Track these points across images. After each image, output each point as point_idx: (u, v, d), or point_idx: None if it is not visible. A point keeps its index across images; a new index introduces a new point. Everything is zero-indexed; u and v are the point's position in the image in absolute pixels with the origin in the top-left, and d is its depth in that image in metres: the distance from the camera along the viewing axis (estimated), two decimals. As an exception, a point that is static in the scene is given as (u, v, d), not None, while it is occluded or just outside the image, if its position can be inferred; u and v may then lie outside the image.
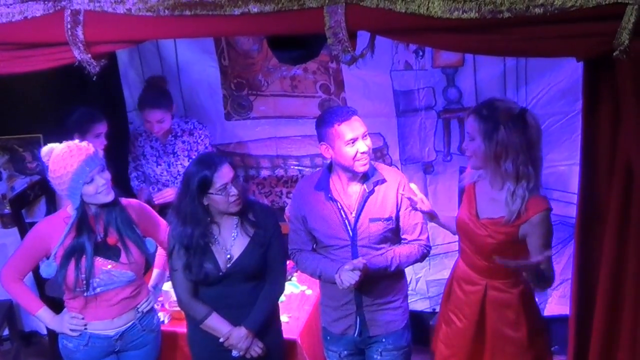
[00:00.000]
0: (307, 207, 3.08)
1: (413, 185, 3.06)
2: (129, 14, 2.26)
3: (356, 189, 3.02)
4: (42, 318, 3.12)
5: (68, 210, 2.97)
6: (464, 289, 2.96)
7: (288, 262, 3.33)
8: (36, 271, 3.58)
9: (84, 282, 2.93)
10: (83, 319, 3.05)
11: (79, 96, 4.13)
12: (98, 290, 2.99)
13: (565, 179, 3.99)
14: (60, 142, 2.93)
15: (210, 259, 2.95)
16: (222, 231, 2.99)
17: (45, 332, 4.51)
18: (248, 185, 4.61)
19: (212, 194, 2.85)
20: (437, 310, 3.35)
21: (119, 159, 4.29)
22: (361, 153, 2.90)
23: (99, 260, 2.96)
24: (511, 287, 2.88)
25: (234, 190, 2.86)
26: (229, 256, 2.97)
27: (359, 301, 3.08)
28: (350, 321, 3.13)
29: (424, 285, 4.47)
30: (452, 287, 3.06)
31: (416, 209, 3.03)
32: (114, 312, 3.06)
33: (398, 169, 4.13)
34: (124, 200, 3.10)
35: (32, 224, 3.39)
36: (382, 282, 3.05)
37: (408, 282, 3.36)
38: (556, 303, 4.25)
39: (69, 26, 2.30)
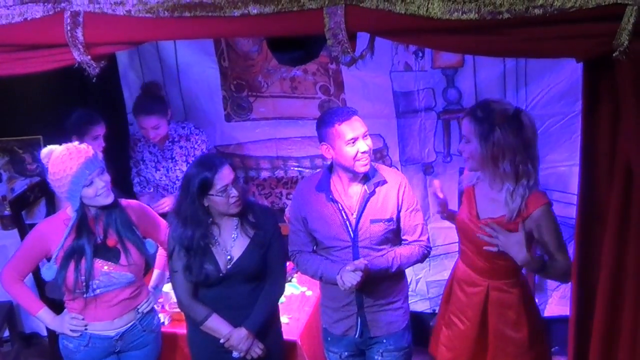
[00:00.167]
0: (307, 208, 3.08)
1: (436, 182, 3.08)
2: (129, 15, 2.25)
3: (357, 190, 3.02)
4: (43, 319, 3.12)
5: (68, 211, 2.97)
6: (466, 290, 2.96)
7: (288, 263, 3.33)
8: (36, 272, 3.59)
9: (84, 283, 2.93)
10: (83, 319, 3.05)
11: (78, 98, 4.14)
12: (98, 291, 2.99)
13: (565, 180, 3.99)
14: (60, 144, 2.93)
15: (210, 260, 2.95)
16: (222, 232, 2.99)
17: (45, 333, 4.51)
18: (248, 187, 4.61)
19: (212, 195, 2.85)
20: (437, 311, 3.35)
21: (119, 161, 4.29)
22: (362, 153, 2.90)
23: (99, 262, 2.97)
24: (512, 287, 2.88)
25: (234, 192, 2.86)
26: (229, 257, 2.98)
27: (360, 302, 3.09)
28: (351, 322, 3.13)
29: (424, 286, 4.47)
30: (452, 289, 3.06)
31: (441, 209, 3.04)
32: (114, 313, 3.07)
33: (398, 170, 4.12)
34: (124, 201, 3.11)
35: (32, 226, 3.40)
36: (383, 283, 3.05)
37: (408, 283, 3.35)
38: (556, 304, 4.25)
39: (68, 28, 2.30)
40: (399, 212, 3.03)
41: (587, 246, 2.37)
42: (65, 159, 2.84)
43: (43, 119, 4.34)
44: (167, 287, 3.49)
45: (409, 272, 3.27)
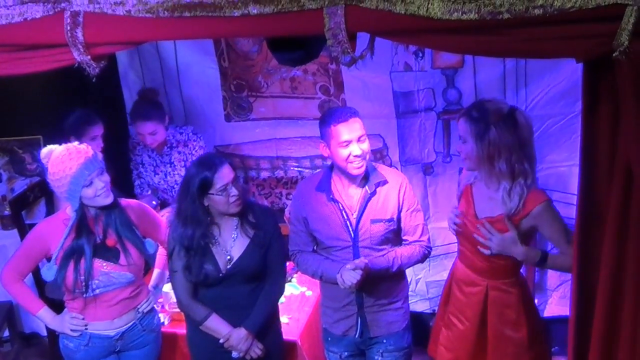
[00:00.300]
0: (308, 208, 3.08)
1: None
2: (129, 15, 2.25)
3: (358, 190, 3.02)
4: (43, 318, 3.13)
5: (67, 211, 2.97)
6: (465, 290, 2.96)
7: (288, 263, 3.33)
8: (36, 273, 3.59)
9: (83, 283, 2.93)
10: (83, 319, 3.05)
11: (78, 98, 4.14)
12: (97, 291, 2.99)
13: (565, 180, 4.00)
14: (60, 144, 2.94)
15: (210, 260, 2.95)
16: (222, 232, 2.99)
17: (45, 333, 4.51)
18: (248, 187, 4.61)
19: (212, 194, 2.85)
20: (436, 312, 3.34)
21: (119, 161, 4.29)
22: (354, 156, 2.89)
23: (98, 262, 2.97)
24: (511, 287, 2.88)
25: (234, 191, 2.86)
26: (228, 257, 2.98)
27: (360, 302, 3.09)
28: (351, 322, 3.13)
29: (423, 287, 4.48)
30: (451, 289, 3.06)
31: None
32: (114, 313, 3.07)
33: (398, 170, 4.13)
34: (124, 201, 3.11)
35: (31, 226, 3.40)
36: (383, 283, 3.05)
37: (408, 283, 3.35)
38: (556, 304, 4.25)
39: (68, 27, 2.30)
40: (399, 212, 3.03)
41: (587, 246, 2.37)
42: (65, 159, 2.84)
43: (43, 119, 4.34)
44: (167, 287, 3.49)
45: (408, 272, 3.27)
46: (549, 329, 4.00)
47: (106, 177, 2.92)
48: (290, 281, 4.00)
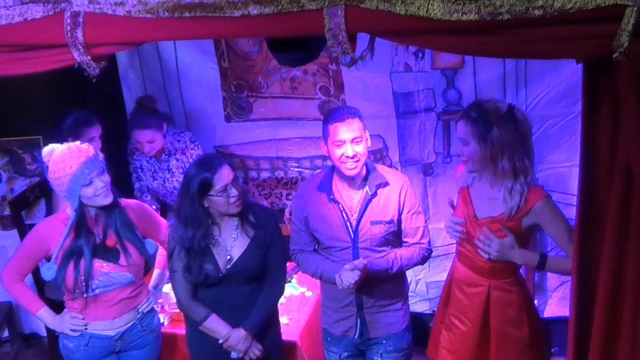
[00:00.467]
0: (309, 208, 3.09)
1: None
2: (129, 15, 2.25)
3: (358, 191, 3.03)
4: (43, 318, 3.13)
5: (67, 211, 2.97)
6: (466, 291, 2.96)
7: (288, 263, 3.33)
8: (36, 273, 3.59)
9: (83, 283, 2.93)
10: (83, 319, 3.05)
11: (78, 98, 4.14)
12: (97, 291, 2.99)
13: (565, 181, 4.00)
14: (61, 143, 2.94)
15: (210, 260, 2.95)
16: (223, 232, 2.99)
17: (45, 333, 4.51)
18: (248, 187, 4.61)
19: (212, 195, 2.85)
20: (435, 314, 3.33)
21: (119, 162, 4.29)
22: (346, 157, 2.89)
23: (98, 262, 2.97)
24: (512, 286, 2.89)
25: (234, 192, 2.86)
26: (229, 257, 2.97)
27: (359, 303, 3.09)
28: (350, 323, 3.13)
29: (423, 287, 4.48)
30: (451, 291, 3.05)
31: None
32: (114, 313, 3.07)
33: (398, 171, 4.13)
34: (124, 202, 3.11)
35: (31, 226, 3.40)
36: (383, 284, 3.05)
37: (409, 283, 3.35)
38: (556, 305, 4.25)
39: (68, 28, 2.30)
40: (400, 214, 3.03)
41: (587, 247, 2.37)
42: (66, 158, 2.85)
43: (43, 119, 4.34)
44: (167, 288, 3.49)
45: (408, 273, 3.27)
46: (549, 329, 4.01)
47: (106, 178, 2.92)
48: (290, 282, 4.00)
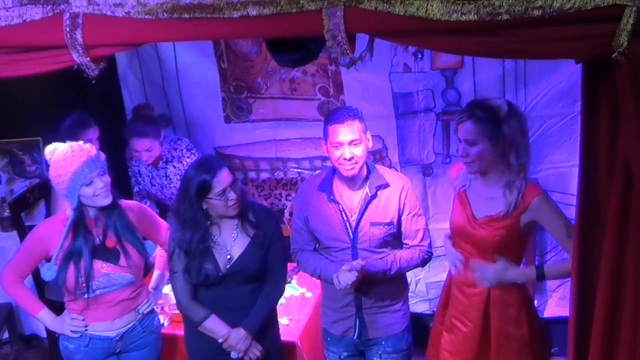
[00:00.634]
0: (309, 207, 3.09)
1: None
2: (128, 17, 2.25)
3: (358, 192, 3.02)
4: (43, 319, 3.12)
5: (67, 212, 2.97)
6: (466, 292, 2.96)
7: (288, 264, 3.33)
8: (36, 274, 3.59)
9: (84, 284, 2.93)
10: (83, 320, 3.05)
11: (78, 99, 4.14)
12: (97, 292, 2.99)
13: (565, 181, 4.00)
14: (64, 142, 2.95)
15: (210, 259, 2.94)
16: (222, 232, 2.99)
17: (45, 335, 4.51)
18: (247, 188, 4.61)
19: (210, 198, 2.85)
20: (434, 317, 3.32)
21: (118, 163, 4.29)
22: (343, 158, 2.90)
23: (98, 263, 2.97)
24: (512, 286, 2.89)
25: (232, 195, 2.86)
26: (229, 257, 2.97)
27: (358, 303, 3.09)
28: (350, 323, 3.13)
29: (423, 288, 4.47)
30: (450, 292, 3.05)
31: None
32: (114, 314, 3.07)
33: (397, 171, 4.13)
34: (124, 203, 3.11)
35: (31, 227, 3.39)
36: (382, 285, 3.05)
37: (409, 283, 3.35)
38: (556, 305, 4.25)
39: (67, 29, 2.30)
40: (400, 216, 3.03)
41: (587, 247, 2.37)
42: (68, 156, 2.86)
43: (42, 120, 4.34)
44: (167, 289, 3.49)
45: (408, 273, 3.27)
46: (549, 329, 4.01)
47: (107, 179, 2.92)
48: (290, 282, 4.00)
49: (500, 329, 2.90)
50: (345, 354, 3.22)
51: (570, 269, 2.73)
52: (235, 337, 2.98)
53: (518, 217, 2.77)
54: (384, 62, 4.09)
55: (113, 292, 3.03)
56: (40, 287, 4.09)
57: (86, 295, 2.98)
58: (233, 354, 3.02)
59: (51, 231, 2.97)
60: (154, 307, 3.30)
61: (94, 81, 2.41)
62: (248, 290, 3.02)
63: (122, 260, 3.00)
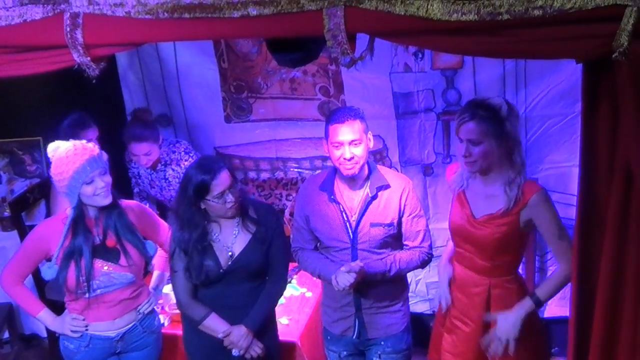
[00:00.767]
0: (310, 206, 3.09)
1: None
2: (128, 16, 2.26)
3: (359, 192, 3.02)
4: (43, 320, 3.12)
5: (67, 212, 2.98)
6: (467, 292, 2.95)
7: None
8: (36, 274, 3.59)
9: (85, 283, 2.94)
10: (84, 320, 3.05)
11: (78, 99, 4.14)
12: (98, 292, 2.99)
13: (565, 181, 4.00)
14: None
15: (211, 256, 2.94)
16: (223, 229, 2.99)
17: (45, 334, 4.51)
18: (247, 188, 4.61)
19: (208, 200, 2.85)
20: (434, 319, 3.31)
21: (119, 162, 4.29)
22: (344, 158, 2.90)
23: (98, 262, 2.97)
24: (512, 283, 2.89)
25: (230, 198, 2.85)
26: (230, 253, 2.96)
27: (358, 303, 3.08)
28: (349, 323, 3.13)
29: (423, 288, 4.47)
30: (451, 294, 3.04)
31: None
32: (115, 313, 3.07)
33: (397, 171, 4.13)
34: (124, 203, 3.11)
35: (31, 227, 3.39)
36: (381, 285, 3.05)
37: (409, 284, 3.35)
38: (556, 305, 4.24)
39: (68, 29, 2.30)
40: (400, 217, 3.03)
41: (587, 247, 2.37)
42: (70, 154, 2.86)
43: (43, 120, 4.34)
44: (167, 289, 3.49)
45: (409, 273, 3.26)
46: (549, 329, 4.01)
47: (108, 178, 2.92)
48: (290, 282, 4.00)
49: None
50: (345, 353, 3.22)
51: (560, 280, 2.79)
52: (236, 334, 2.98)
53: (518, 213, 2.77)
54: (385, 62, 4.10)
55: (113, 291, 3.03)
56: (41, 287, 4.09)
57: (87, 295, 2.98)
58: (234, 352, 3.01)
59: (51, 231, 2.97)
60: (155, 307, 3.29)
61: (94, 81, 2.42)
62: (249, 288, 3.02)
63: (123, 260, 3.00)
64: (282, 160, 4.61)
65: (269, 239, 3.00)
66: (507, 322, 2.81)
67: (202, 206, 2.89)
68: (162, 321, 3.50)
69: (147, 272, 3.40)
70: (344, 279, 2.88)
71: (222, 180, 2.83)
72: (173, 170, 4.21)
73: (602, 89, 2.16)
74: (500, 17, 1.99)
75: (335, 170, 3.06)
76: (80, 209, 2.93)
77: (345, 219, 3.01)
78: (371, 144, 2.99)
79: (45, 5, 2.32)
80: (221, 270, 2.95)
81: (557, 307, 4.21)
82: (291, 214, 4.33)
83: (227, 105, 4.56)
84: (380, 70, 4.09)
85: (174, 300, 3.26)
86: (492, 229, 2.81)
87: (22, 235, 4.16)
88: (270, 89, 4.46)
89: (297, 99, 4.44)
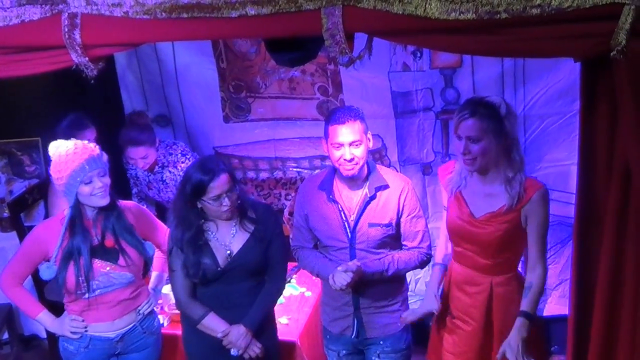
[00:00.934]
0: (309, 205, 3.09)
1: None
2: (126, 17, 2.26)
3: (358, 192, 3.02)
4: (43, 321, 3.12)
5: (65, 213, 2.97)
6: (468, 291, 2.95)
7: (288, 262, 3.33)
8: (35, 275, 3.58)
9: (84, 283, 2.93)
10: (83, 321, 3.05)
11: (77, 99, 4.14)
12: (97, 292, 2.99)
13: (565, 179, 4.00)
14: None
15: (208, 255, 2.94)
16: (220, 228, 2.98)
17: (44, 335, 4.50)
18: (246, 188, 4.61)
19: (204, 201, 2.85)
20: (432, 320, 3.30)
21: (117, 163, 4.28)
22: (344, 159, 2.90)
23: (97, 263, 2.97)
24: (512, 281, 2.89)
25: (227, 202, 2.84)
26: (228, 252, 2.96)
27: (356, 303, 3.08)
28: (348, 322, 3.13)
29: (423, 287, 4.46)
30: (450, 294, 3.03)
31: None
32: (115, 314, 3.06)
33: (397, 170, 4.13)
34: (122, 203, 3.10)
35: (30, 228, 3.39)
36: (379, 285, 3.05)
37: (408, 283, 3.35)
38: (555, 303, 4.25)
39: (66, 29, 2.31)
40: (398, 217, 3.02)
41: (586, 245, 2.37)
42: (70, 153, 2.86)
43: (41, 120, 4.34)
44: (167, 289, 3.49)
45: (408, 273, 3.26)
46: (549, 327, 4.02)
47: (107, 180, 2.92)
48: (289, 282, 4.00)
49: (503, 325, 2.90)
50: (344, 352, 3.22)
51: (542, 285, 2.80)
52: (235, 334, 2.98)
53: (520, 210, 2.77)
54: (383, 61, 4.09)
55: (113, 291, 3.03)
56: (40, 287, 4.08)
57: (86, 295, 2.97)
58: (233, 351, 3.01)
59: (50, 232, 2.97)
60: (154, 307, 3.29)
61: (92, 81, 2.42)
62: (248, 287, 3.02)
63: (121, 260, 3.00)
64: (281, 159, 4.61)
65: (267, 239, 3.00)
66: (512, 347, 2.78)
67: (199, 205, 2.89)
68: (161, 321, 3.50)
69: (146, 273, 3.39)
70: (341, 278, 2.88)
71: (221, 183, 2.82)
72: (170, 172, 4.20)
73: (600, 88, 2.17)
74: (499, 15, 1.99)
75: (334, 170, 3.06)
76: (77, 208, 2.93)
77: (344, 218, 3.01)
78: (370, 144, 2.99)
79: (43, 6, 2.32)
80: (219, 269, 2.95)
81: (557, 306, 4.22)
82: (290, 214, 4.33)
83: (226, 105, 4.56)
84: (379, 69, 4.09)
85: (173, 301, 3.26)
86: (494, 227, 2.80)
87: (21, 236, 4.16)
88: (269, 89, 4.46)
89: (295, 98, 4.44)
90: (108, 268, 2.98)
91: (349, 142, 2.88)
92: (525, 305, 2.80)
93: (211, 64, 4.46)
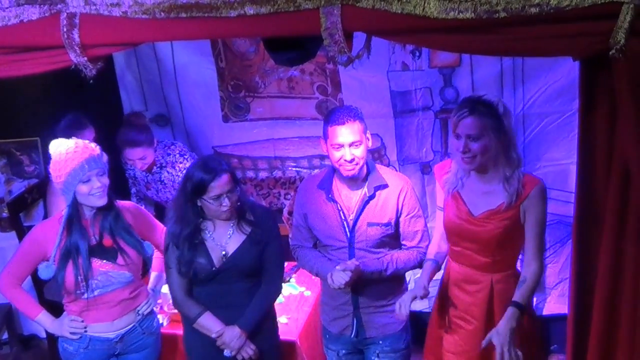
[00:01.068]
0: (308, 205, 3.09)
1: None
2: (125, 16, 2.26)
3: (357, 191, 3.02)
4: (42, 322, 3.12)
5: (63, 212, 2.97)
6: (468, 290, 2.95)
7: (286, 263, 3.33)
8: (35, 275, 3.58)
9: (83, 283, 2.93)
10: (83, 321, 3.05)
11: (76, 99, 4.13)
12: (97, 292, 2.99)
13: (563, 178, 4.00)
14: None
15: (203, 254, 2.94)
16: (217, 228, 2.98)
17: (44, 335, 4.50)
18: (245, 187, 4.61)
19: (204, 200, 2.85)
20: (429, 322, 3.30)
21: (116, 163, 4.28)
22: (344, 160, 2.90)
23: (96, 262, 2.97)
24: (511, 278, 2.89)
25: (226, 202, 2.84)
26: (223, 252, 2.96)
27: (355, 302, 3.09)
28: (347, 322, 3.13)
29: (422, 286, 4.47)
30: (449, 294, 3.03)
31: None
32: (114, 314, 3.06)
33: (396, 169, 4.13)
34: (120, 203, 3.10)
35: (30, 228, 3.39)
36: (379, 285, 3.05)
37: (407, 282, 3.35)
38: (555, 302, 4.26)
39: (65, 29, 2.30)
40: (397, 217, 3.02)
41: (585, 244, 2.38)
42: (70, 152, 2.86)
43: (41, 120, 4.34)
44: (166, 289, 3.49)
45: (407, 272, 3.26)
46: (548, 326, 4.02)
47: (105, 180, 2.92)
48: (289, 281, 4.00)
49: None
50: (344, 351, 3.23)
51: (537, 281, 2.78)
52: (229, 335, 2.98)
53: (519, 206, 2.77)
54: (382, 61, 4.09)
55: (112, 291, 3.03)
56: (40, 287, 4.08)
57: (86, 295, 2.97)
58: (226, 352, 3.01)
59: (48, 232, 2.97)
60: (154, 307, 3.29)
61: (91, 81, 2.42)
62: (244, 288, 3.01)
63: (120, 259, 3.00)
64: (280, 159, 4.60)
65: (264, 242, 3.00)
66: (499, 335, 2.78)
67: (199, 204, 2.89)
68: (161, 321, 3.50)
69: (145, 274, 3.39)
70: (339, 277, 2.88)
71: (221, 183, 2.82)
72: (168, 172, 4.20)
73: (599, 87, 2.17)
74: (497, 15, 1.99)
75: (334, 170, 3.06)
76: (75, 207, 2.93)
77: (343, 218, 3.01)
78: (370, 144, 2.99)
79: (42, 6, 2.32)
80: (214, 269, 2.95)
81: (556, 305, 4.22)
82: (289, 213, 4.33)
83: (225, 105, 4.56)
84: (378, 68, 4.08)
85: (172, 300, 3.26)
86: (493, 224, 2.80)
87: (21, 236, 4.15)
88: (268, 88, 4.46)
89: (294, 97, 4.44)
90: (107, 267, 2.98)
91: (349, 142, 2.88)
92: (517, 296, 2.78)
93: (210, 63, 4.45)
